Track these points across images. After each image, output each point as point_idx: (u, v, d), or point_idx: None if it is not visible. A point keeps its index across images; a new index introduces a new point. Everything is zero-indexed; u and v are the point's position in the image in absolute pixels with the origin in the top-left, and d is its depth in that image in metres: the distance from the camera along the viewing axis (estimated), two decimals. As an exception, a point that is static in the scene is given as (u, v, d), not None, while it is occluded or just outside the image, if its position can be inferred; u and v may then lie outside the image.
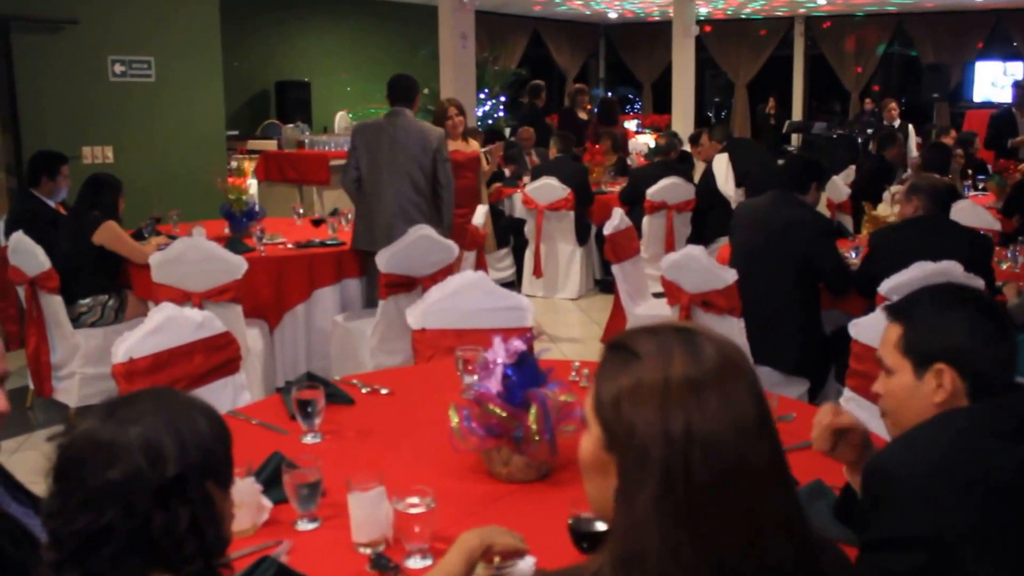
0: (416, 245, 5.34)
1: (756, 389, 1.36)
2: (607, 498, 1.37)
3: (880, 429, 2.23)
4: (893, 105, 11.84)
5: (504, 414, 2.38)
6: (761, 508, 1.30)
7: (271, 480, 2.34)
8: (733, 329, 4.74)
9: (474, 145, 7.84)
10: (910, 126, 10.98)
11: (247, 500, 2.18)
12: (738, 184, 8.70)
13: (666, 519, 1.27)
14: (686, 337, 1.37)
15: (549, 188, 8.51)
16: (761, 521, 1.30)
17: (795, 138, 18.11)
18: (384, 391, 3.22)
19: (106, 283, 5.76)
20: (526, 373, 2.45)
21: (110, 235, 5.64)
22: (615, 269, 6.02)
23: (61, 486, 1.50)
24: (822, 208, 5.40)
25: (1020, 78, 14.48)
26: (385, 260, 5.28)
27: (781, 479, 1.36)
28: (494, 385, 2.42)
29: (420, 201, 5.94)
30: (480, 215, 6.99)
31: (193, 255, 5.15)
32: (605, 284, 8.96)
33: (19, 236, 5.54)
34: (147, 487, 1.45)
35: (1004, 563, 1.70)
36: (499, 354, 2.46)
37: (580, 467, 1.45)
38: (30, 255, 5.44)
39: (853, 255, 5.52)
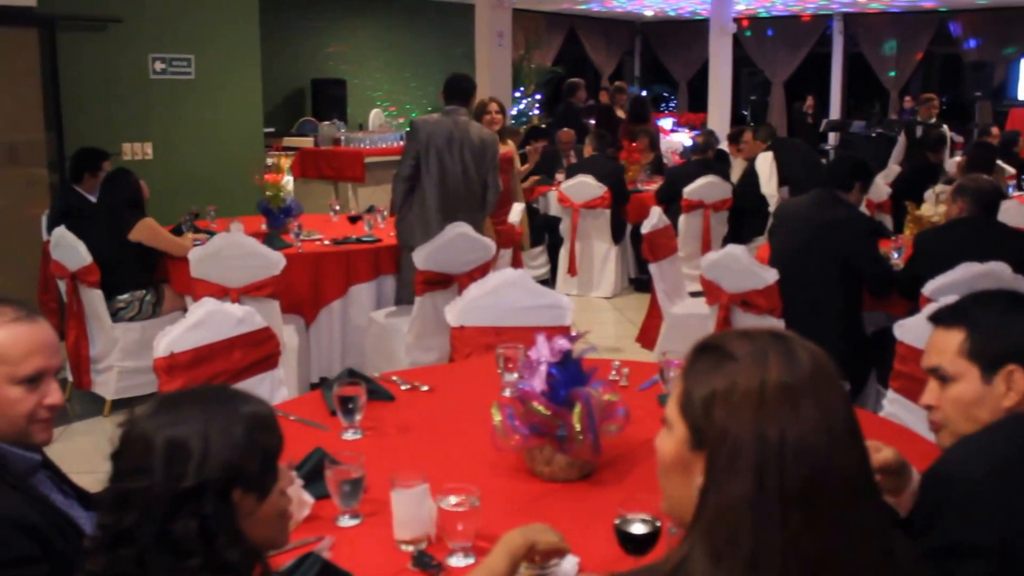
0: (453, 243, 5.33)
1: (846, 398, 1.36)
2: (686, 497, 1.37)
3: (928, 434, 2.20)
4: (936, 103, 11.60)
5: (548, 412, 2.37)
6: (853, 519, 1.30)
7: (313, 475, 2.34)
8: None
9: (509, 145, 7.83)
10: (944, 126, 10.84)
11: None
12: (781, 184, 8.64)
13: (759, 519, 1.27)
14: (782, 343, 1.37)
15: (585, 186, 8.48)
16: (852, 532, 1.30)
17: (832, 137, 17.97)
18: (424, 388, 3.22)
19: (143, 278, 5.80)
20: (570, 372, 2.43)
21: (148, 231, 5.68)
22: (652, 268, 5.99)
23: (109, 477, 1.58)
24: (862, 208, 5.34)
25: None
26: (422, 257, 5.28)
27: (870, 487, 1.36)
28: (538, 383, 2.41)
29: (471, 201, 5.94)
30: (516, 213, 6.98)
31: (232, 251, 5.17)
32: (640, 283, 8.92)
33: (61, 231, 5.59)
34: (163, 496, 1.50)
35: None
36: (543, 352, 2.44)
37: (659, 465, 1.45)
38: (72, 250, 5.49)
39: (896, 255, 5.45)
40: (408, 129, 6.07)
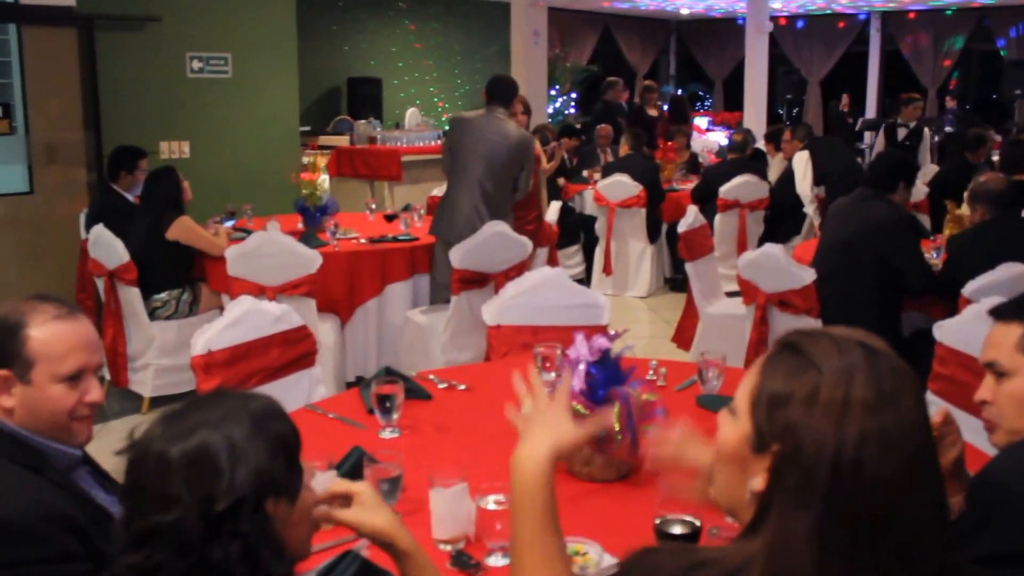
0: (490, 241, 5.33)
1: (927, 423, 1.29)
2: (738, 492, 1.34)
3: (972, 439, 2.17)
4: (920, 104, 11.12)
5: (586, 412, 2.35)
6: (921, 553, 1.24)
7: (352, 474, 2.33)
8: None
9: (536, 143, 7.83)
10: (925, 129, 10.62)
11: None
12: (817, 183, 8.58)
13: (824, 551, 1.21)
14: (871, 357, 1.29)
15: (620, 185, 8.46)
16: (919, 566, 1.24)
17: (868, 136, 17.83)
18: (461, 387, 3.21)
19: (180, 277, 5.84)
20: (608, 371, 2.42)
21: (185, 230, 5.71)
22: (688, 267, 5.96)
23: (125, 509, 1.48)
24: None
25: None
26: (459, 256, 5.28)
27: (943, 521, 1.29)
28: (576, 382, 2.39)
29: (498, 200, 5.93)
30: (553, 211, 6.98)
31: (269, 249, 5.20)
32: (675, 282, 8.89)
33: (99, 229, 5.64)
34: (196, 526, 1.40)
35: None
36: (581, 351, 2.43)
37: (717, 452, 1.40)
38: (110, 248, 5.54)
39: (935, 255, 5.40)
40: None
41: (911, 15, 18.34)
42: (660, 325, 7.79)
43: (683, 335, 6.31)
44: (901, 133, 10.29)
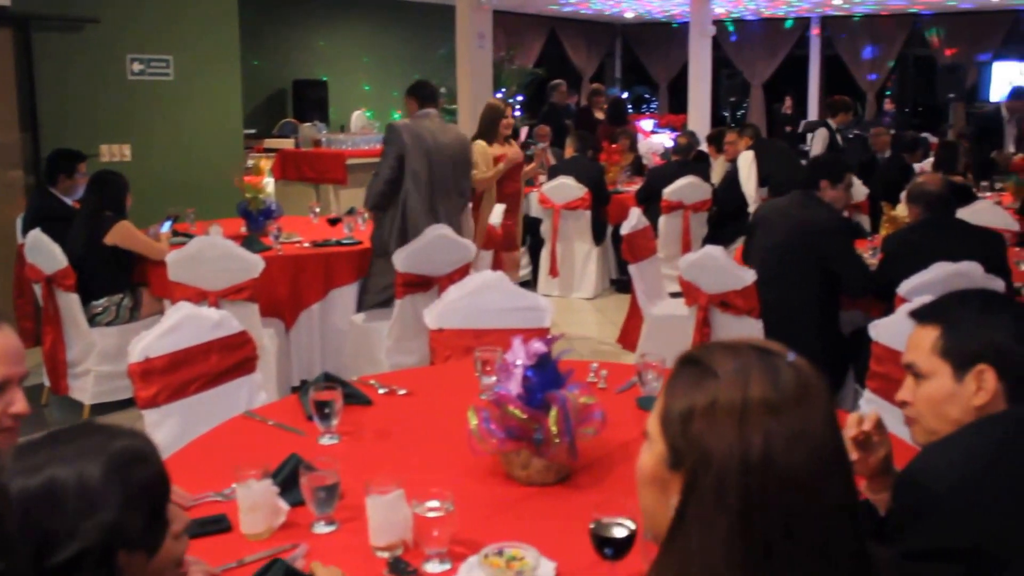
0: (434, 244, 5.32)
1: (833, 418, 1.31)
2: (662, 515, 1.34)
3: (903, 433, 2.20)
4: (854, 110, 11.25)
5: (524, 416, 2.36)
6: (835, 546, 1.26)
7: (288, 482, 2.32)
8: (751, 330, 4.71)
9: (515, 147, 7.84)
10: (819, 130, 10.77)
11: (263, 502, 2.17)
12: (761, 184, 8.66)
13: (737, 561, 1.23)
14: (766, 358, 1.32)
15: (565, 187, 8.49)
16: (833, 560, 1.26)
17: (809, 138, 18.05)
18: (402, 392, 3.21)
19: (121, 282, 5.77)
20: (546, 375, 2.43)
21: (124, 235, 5.64)
22: (632, 269, 5.99)
23: None
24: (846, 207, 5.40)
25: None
26: (402, 259, 5.27)
27: (853, 513, 1.32)
28: (514, 387, 2.40)
29: (457, 202, 5.93)
30: (497, 214, 6.98)
31: (210, 253, 5.16)
32: (621, 284, 8.93)
33: (36, 234, 5.55)
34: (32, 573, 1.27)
35: None
36: (519, 355, 2.44)
37: (637, 479, 1.41)
38: (47, 253, 5.46)
39: (871, 255, 5.49)
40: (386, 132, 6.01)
41: (849, 20, 18.61)
42: (606, 326, 7.82)
43: (628, 336, 6.34)
44: (838, 139, 10.39)
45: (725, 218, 8.68)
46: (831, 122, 10.21)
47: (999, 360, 1.94)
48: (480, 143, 7.34)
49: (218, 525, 2.20)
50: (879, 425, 2.02)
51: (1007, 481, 1.73)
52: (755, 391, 1.27)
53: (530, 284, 8.77)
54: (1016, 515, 1.68)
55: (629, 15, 19.15)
